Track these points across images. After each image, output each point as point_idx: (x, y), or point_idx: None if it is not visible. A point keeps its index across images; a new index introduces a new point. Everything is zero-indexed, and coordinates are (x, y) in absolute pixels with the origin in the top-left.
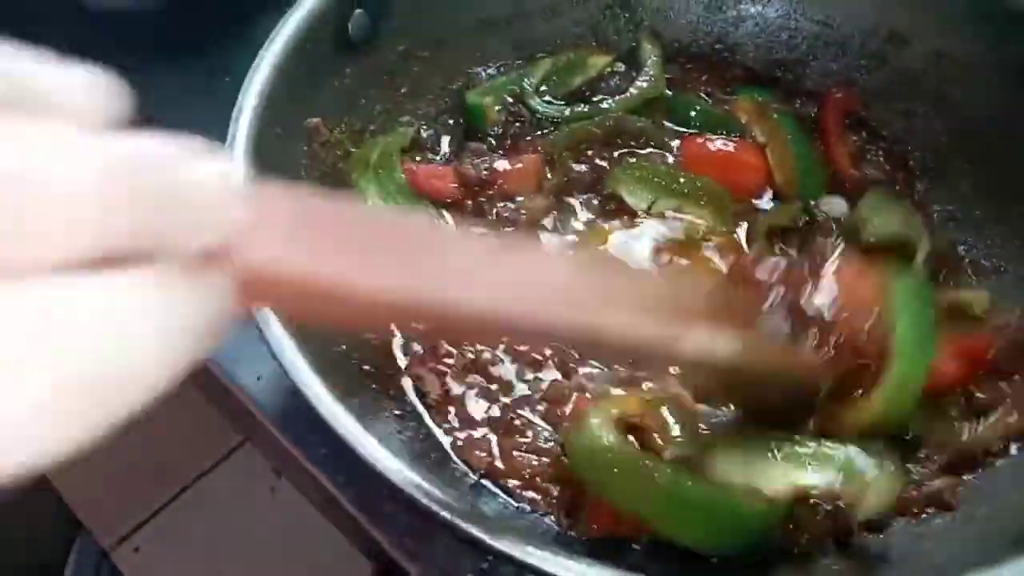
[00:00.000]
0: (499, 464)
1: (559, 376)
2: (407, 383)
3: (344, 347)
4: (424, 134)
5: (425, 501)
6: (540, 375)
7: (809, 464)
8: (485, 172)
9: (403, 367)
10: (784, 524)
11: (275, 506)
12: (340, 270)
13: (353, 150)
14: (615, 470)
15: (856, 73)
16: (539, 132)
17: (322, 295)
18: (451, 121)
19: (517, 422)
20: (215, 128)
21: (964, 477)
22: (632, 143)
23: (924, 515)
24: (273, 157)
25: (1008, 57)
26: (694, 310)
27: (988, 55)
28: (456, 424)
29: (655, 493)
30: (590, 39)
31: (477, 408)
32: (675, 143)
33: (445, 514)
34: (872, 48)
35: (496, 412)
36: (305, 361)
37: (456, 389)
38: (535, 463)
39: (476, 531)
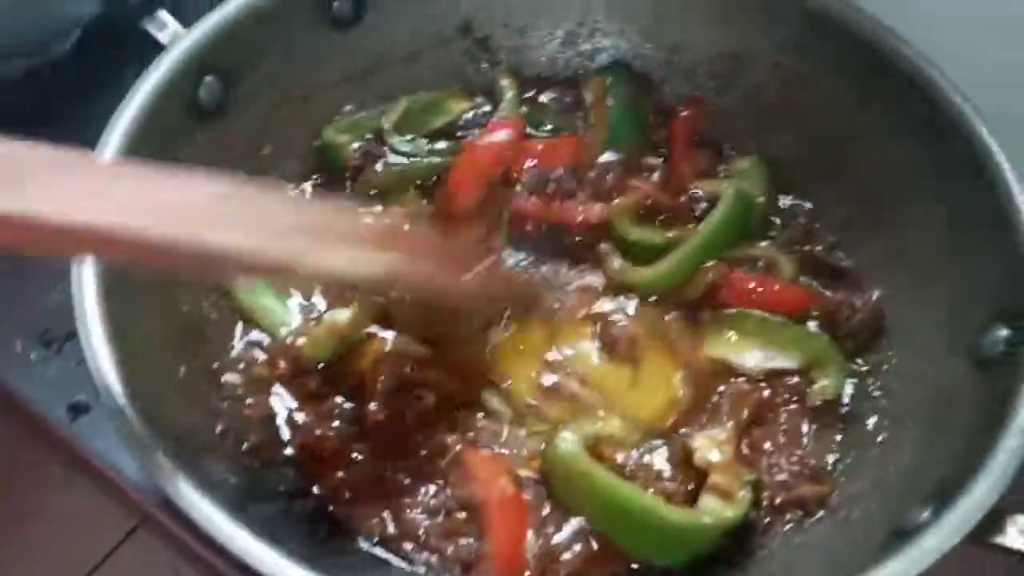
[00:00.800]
0: (391, 529)
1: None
2: (290, 454)
3: (221, 427)
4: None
5: None
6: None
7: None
8: None
9: (286, 439)
10: None
11: None
12: None
13: None
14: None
15: (708, 94)
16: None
17: None
18: (317, 177)
19: (406, 482)
20: None
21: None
22: None
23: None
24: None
25: (844, 63)
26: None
27: (824, 65)
28: (346, 493)
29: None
30: (453, 81)
31: (365, 473)
32: None
33: None
34: (718, 69)
35: (384, 475)
36: (172, 466)
37: (342, 454)
38: (427, 523)
39: None
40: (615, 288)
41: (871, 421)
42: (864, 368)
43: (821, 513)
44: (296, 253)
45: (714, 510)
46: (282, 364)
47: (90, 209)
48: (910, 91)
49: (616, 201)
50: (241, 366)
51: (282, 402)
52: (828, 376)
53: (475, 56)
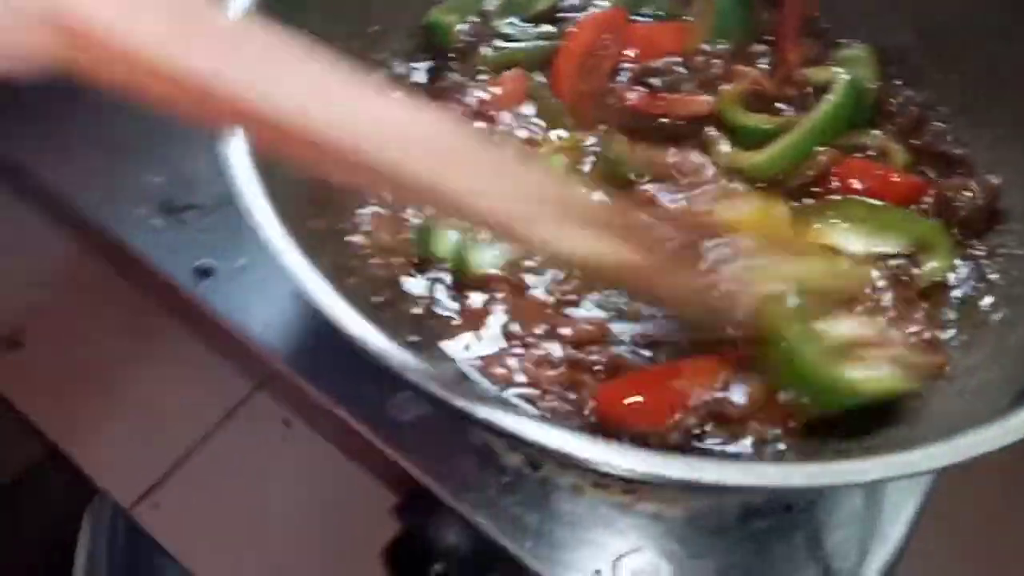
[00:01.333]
0: (520, 377)
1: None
2: (420, 311)
3: (353, 280)
4: (397, 71)
5: (456, 400)
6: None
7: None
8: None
9: (416, 295)
10: None
11: (291, 452)
12: (174, 53)
13: None
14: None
15: None
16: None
17: (150, 72)
18: (424, 55)
19: (531, 339)
20: None
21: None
22: None
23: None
24: None
25: None
26: (561, 207)
27: None
28: (475, 342)
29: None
30: None
31: (495, 324)
32: None
33: (479, 409)
34: None
35: (514, 329)
36: (323, 283)
37: (473, 304)
38: (551, 374)
39: (507, 423)
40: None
41: (986, 301)
42: (979, 251)
43: (939, 383)
44: (528, 219)
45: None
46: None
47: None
48: None
49: (723, 88)
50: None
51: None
52: (937, 258)
53: None
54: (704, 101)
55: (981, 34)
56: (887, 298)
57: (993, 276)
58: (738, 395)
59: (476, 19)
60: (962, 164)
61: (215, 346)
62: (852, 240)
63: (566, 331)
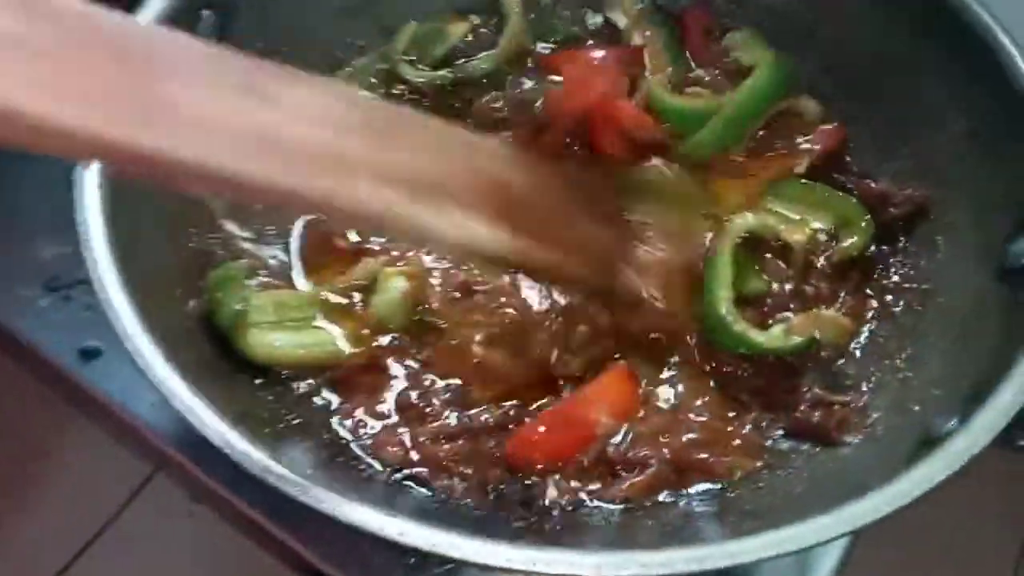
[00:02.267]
0: (412, 455)
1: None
2: (303, 387)
3: (232, 363)
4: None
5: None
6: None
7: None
8: None
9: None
10: None
11: (196, 530)
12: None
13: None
14: None
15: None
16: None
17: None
18: None
19: (427, 409)
20: None
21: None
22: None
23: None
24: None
25: None
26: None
27: None
28: (364, 421)
29: None
30: (448, 7)
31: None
32: None
33: (359, 520)
34: None
35: (404, 400)
36: (186, 387)
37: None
38: (446, 447)
39: (392, 531)
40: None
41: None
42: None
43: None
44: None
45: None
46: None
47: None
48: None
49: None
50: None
51: None
52: (856, 235)
53: None
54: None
55: (890, 68)
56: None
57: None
58: None
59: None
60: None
61: (109, 430)
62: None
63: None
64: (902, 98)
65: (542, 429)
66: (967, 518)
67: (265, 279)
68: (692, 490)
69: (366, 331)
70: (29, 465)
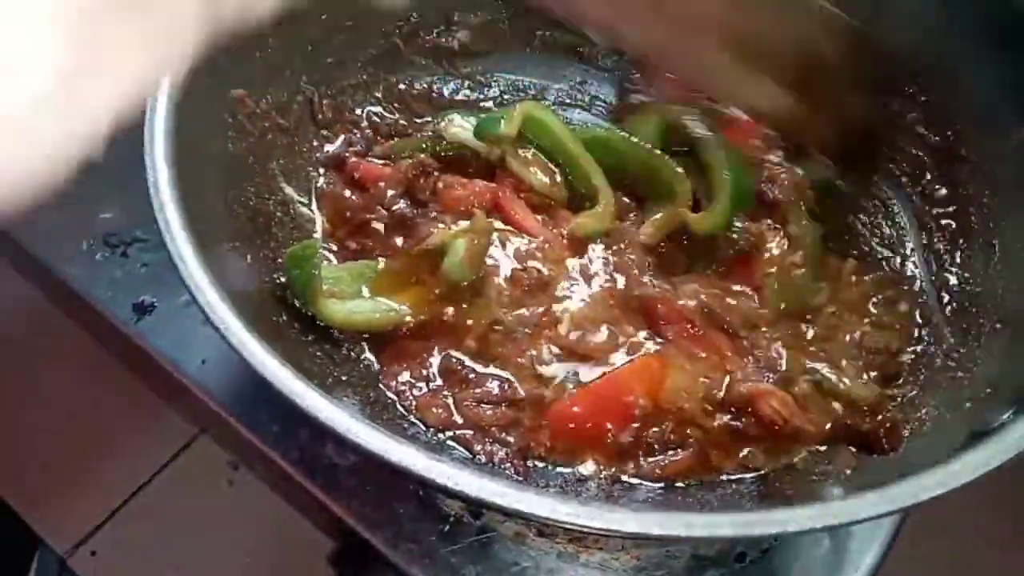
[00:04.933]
0: (456, 418)
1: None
2: (352, 349)
3: (284, 317)
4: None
5: (390, 456)
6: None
7: None
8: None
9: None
10: None
11: (233, 497)
12: None
13: (281, 121)
14: None
15: None
16: None
17: None
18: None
19: (470, 375)
20: None
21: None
22: None
23: None
24: (196, 129)
25: None
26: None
27: None
28: (410, 382)
29: None
30: None
31: (430, 365)
32: None
33: (410, 465)
34: None
35: (449, 366)
36: (250, 334)
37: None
38: (489, 413)
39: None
40: None
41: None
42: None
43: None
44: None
45: None
46: None
47: None
48: None
49: None
50: None
51: None
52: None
53: None
54: None
55: None
56: None
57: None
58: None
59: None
60: None
61: (157, 387)
62: None
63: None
64: None
65: (576, 409)
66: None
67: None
68: (734, 475)
69: (432, 296)
70: (72, 423)
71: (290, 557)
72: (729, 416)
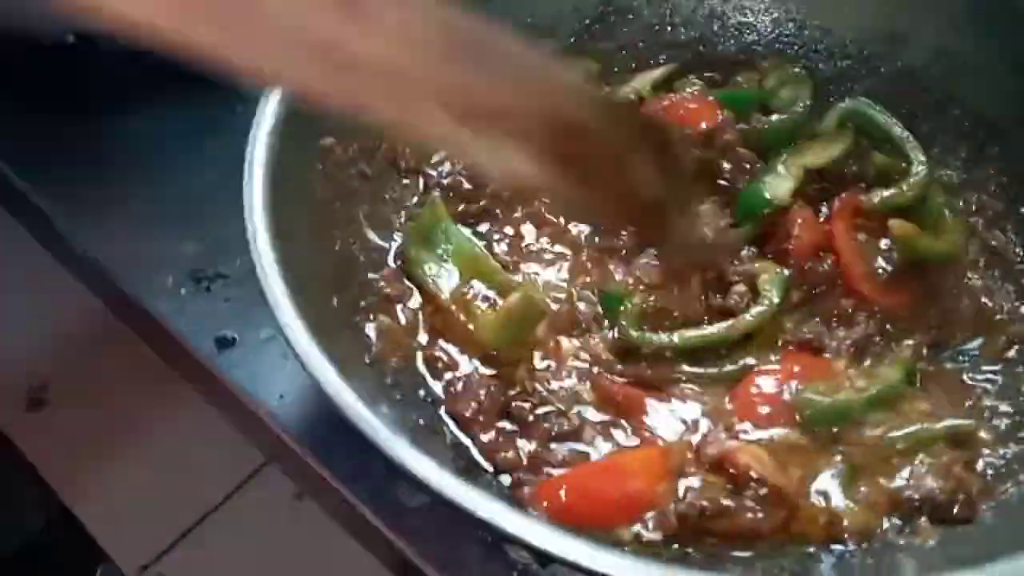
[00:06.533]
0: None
1: None
2: (431, 389)
3: (367, 360)
4: None
5: (462, 500)
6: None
7: None
8: None
9: (425, 375)
10: None
11: (298, 528)
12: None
13: (365, 168)
14: None
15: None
16: None
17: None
18: None
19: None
20: (231, 156)
21: None
22: None
23: None
24: (289, 179)
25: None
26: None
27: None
28: (482, 425)
29: None
30: None
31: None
32: None
33: (483, 514)
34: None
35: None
36: (333, 370)
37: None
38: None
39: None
40: None
41: None
42: None
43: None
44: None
45: None
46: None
47: None
48: None
49: None
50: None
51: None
52: None
53: None
54: None
55: None
56: None
57: None
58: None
59: None
60: None
61: (230, 416)
62: None
63: None
64: None
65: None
66: None
67: None
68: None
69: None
70: (148, 448)
71: None
72: None
